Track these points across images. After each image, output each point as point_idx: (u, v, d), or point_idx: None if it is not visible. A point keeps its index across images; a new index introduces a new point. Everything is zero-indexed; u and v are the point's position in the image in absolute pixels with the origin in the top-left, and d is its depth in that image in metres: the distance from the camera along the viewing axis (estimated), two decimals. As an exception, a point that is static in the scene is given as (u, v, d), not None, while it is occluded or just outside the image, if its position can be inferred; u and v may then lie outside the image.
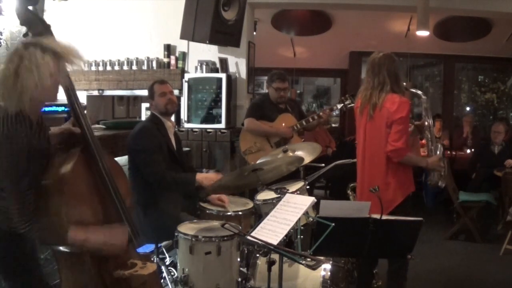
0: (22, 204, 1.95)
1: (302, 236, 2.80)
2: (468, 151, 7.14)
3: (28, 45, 2.03)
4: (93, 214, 2.17)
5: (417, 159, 3.15)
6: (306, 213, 2.64)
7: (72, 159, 2.14)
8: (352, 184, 3.43)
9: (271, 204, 2.98)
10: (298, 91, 11.13)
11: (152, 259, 2.62)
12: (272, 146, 4.30)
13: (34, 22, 2.33)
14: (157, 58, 5.57)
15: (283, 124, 4.36)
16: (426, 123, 3.24)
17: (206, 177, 3.16)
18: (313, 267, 2.04)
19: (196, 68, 5.55)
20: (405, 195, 3.08)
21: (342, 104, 4.41)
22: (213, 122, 5.32)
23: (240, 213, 3.08)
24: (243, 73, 5.62)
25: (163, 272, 2.89)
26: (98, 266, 2.16)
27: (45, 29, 2.32)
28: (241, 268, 2.75)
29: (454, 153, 6.98)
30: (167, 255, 2.76)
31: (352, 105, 4.25)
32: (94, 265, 2.14)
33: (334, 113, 4.60)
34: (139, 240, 2.38)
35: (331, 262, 2.67)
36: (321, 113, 4.40)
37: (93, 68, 5.59)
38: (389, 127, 3.00)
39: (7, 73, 1.98)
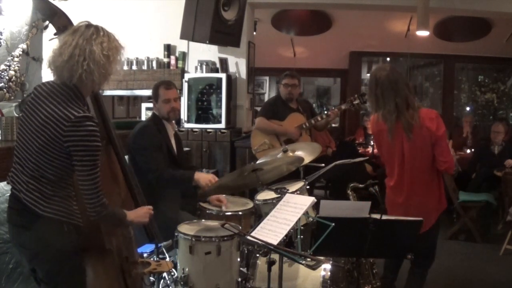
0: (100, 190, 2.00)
1: (302, 236, 2.79)
2: (468, 151, 7.13)
3: (106, 31, 2.02)
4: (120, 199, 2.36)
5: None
6: (306, 213, 2.64)
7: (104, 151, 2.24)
8: (352, 184, 3.42)
9: (271, 204, 2.97)
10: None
11: (151, 259, 2.62)
12: (281, 144, 4.36)
13: (58, 15, 2.32)
14: (157, 58, 5.57)
15: (292, 123, 4.45)
16: None
17: (202, 176, 3.17)
18: (313, 267, 2.04)
19: (196, 68, 5.55)
20: (441, 210, 3.13)
21: (351, 104, 4.45)
22: (213, 122, 5.32)
23: (240, 213, 3.08)
24: (243, 73, 5.62)
25: (163, 272, 2.88)
26: (120, 264, 2.24)
27: (69, 23, 2.31)
28: (241, 268, 2.75)
29: (454, 153, 6.97)
30: (167, 255, 2.75)
31: (358, 103, 4.40)
32: (118, 263, 2.23)
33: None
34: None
35: (331, 262, 2.66)
36: (329, 112, 4.50)
37: (93, 68, 5.58)
38: (433, 144, 2.97)
39: (99, 52, 1.94)
